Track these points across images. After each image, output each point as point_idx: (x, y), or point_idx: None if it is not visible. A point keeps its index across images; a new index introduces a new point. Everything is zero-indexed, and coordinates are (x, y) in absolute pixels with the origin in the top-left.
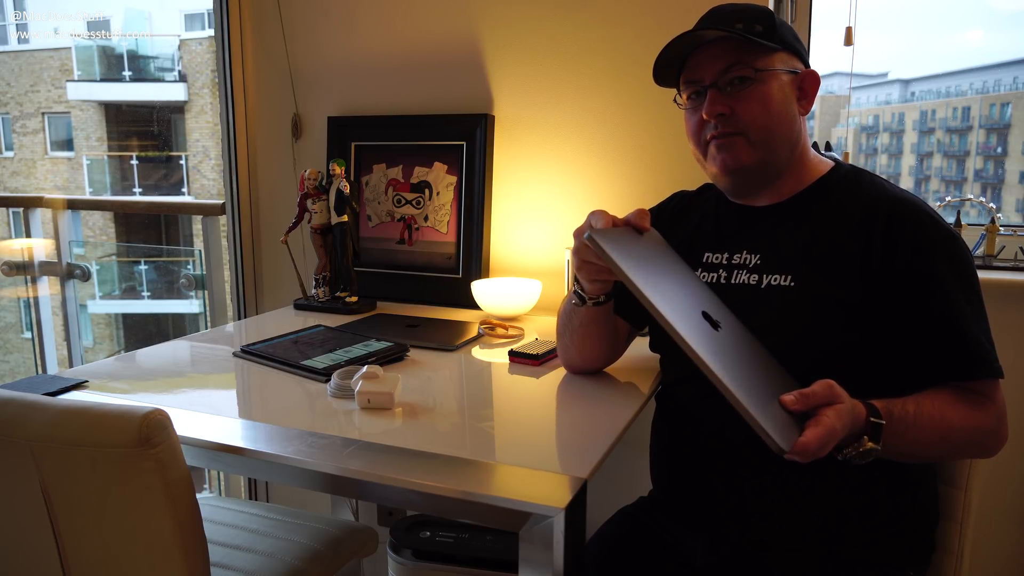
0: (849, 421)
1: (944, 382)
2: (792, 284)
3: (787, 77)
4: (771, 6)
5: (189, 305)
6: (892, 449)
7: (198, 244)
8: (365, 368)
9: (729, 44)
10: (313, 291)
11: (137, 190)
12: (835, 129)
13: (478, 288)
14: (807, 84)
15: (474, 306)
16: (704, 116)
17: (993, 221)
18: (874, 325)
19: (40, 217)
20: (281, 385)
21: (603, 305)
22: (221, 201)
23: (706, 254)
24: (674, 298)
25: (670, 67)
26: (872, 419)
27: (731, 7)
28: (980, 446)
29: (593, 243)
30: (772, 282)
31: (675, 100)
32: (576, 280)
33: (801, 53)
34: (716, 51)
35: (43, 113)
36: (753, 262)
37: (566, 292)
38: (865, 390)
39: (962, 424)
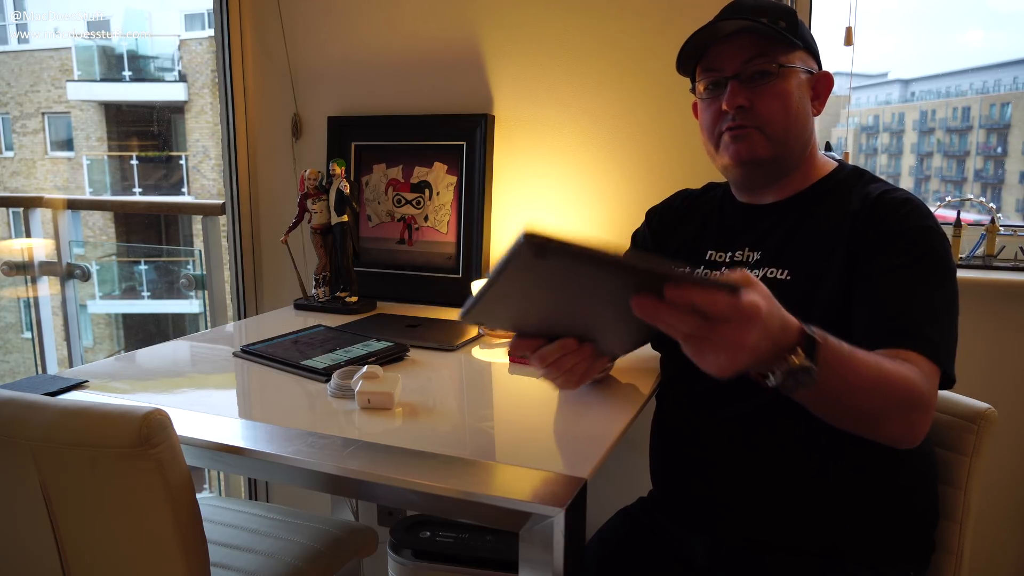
0: (777, 314)
1: (874, 348)
2: (788, 278)
3: (804, 76)
4: None
5: (189, 305)
6: (825, 383)
7: (198, 244)
8: (365, 368)
9: (753, 36)
10: (313, 291)
11: (137, 190)
12: (835, 129)
13: (478, 288)
14: (821, 85)
15: None
16: (724, 107)
17: (993, 221)
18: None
19: (40, 217)
20: (281, 385)
21: None
22: (221, 201)
23: (708, 252)
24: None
25: (690, 56)
26: (806, 331)
27: (753, 1)
28: (906, 418)
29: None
30: (768, 275)
31: (692, 90)
32: None
33: (817, 54)
34: (740, 42)
35: (43, 113)
36: (753, 258)
37: None
38: None
39: (896, 376)
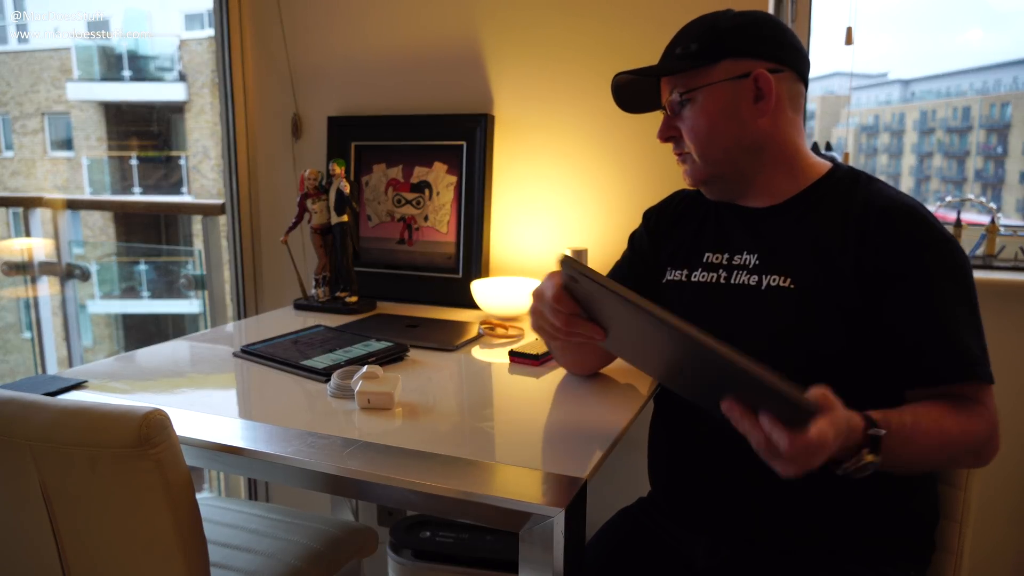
0: (844, 429)
1: (932, 385)
2: (792, 286)
3: (730, 85)
4: (771, 7)
5: (189, 305)
6: (891, 461)
7: (198, 244)
8: (365, 368)
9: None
10: (313, 291)
11: (137, 190)
12: (835, 129)
13: (478, 288)
14: (761, 83)
15: (474, 306)
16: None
17: (993, 221)
18: (871, 329)
19: (40, 217)
20: (281, 385)
21: None
22: (221, 201)
23: (706, 254)
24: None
25: (654, 93)
26: (870, 431)
27: (685, 28)
28: (975, 455)
29: (568, 267)
30: (771, 283)
31: None
32: None
33: (758, 52)
34: (665, 78)
35: (43, 113)
36: (752, 263)
37: None
38: (860, 394)
39: (959, 433)
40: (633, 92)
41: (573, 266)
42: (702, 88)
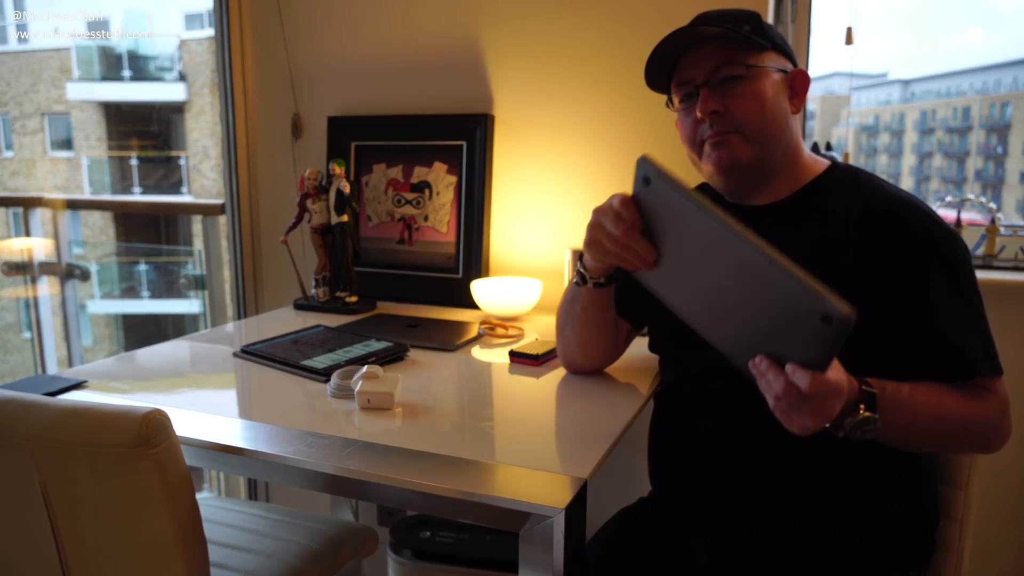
0: (847, 386)
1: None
2: None
3: (778, 75)
4: (771, 6)
5: (189, 305)
6: (890, 427)
7: (198, 244)
8: (365, 368)
9: (719, 44)
10: (313, 291)
11: (137, 190)
12: (835, 129)
13: (478, 288)
14: (797, 83)
15: (474, 306)
16: (698, 115)
17: (993, 221)
18: (874, 326)
19: (40, 217)
20: (281, 385)
21: (604, 288)
22: (221, 201)
23: None
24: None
25: (660, 71)
26: (863, 387)
27: (718, 12)
28: (981, 437)
29: (647, 165)
30: None
31: (667, 104)
32: (580, 259)
33: (789, 54)
34: (707, 51)
35: (43, 113)
36: None
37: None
38: None
39: (960, 411)
40: (656, 63)
41: (653, 165)
42: (762, 67)
